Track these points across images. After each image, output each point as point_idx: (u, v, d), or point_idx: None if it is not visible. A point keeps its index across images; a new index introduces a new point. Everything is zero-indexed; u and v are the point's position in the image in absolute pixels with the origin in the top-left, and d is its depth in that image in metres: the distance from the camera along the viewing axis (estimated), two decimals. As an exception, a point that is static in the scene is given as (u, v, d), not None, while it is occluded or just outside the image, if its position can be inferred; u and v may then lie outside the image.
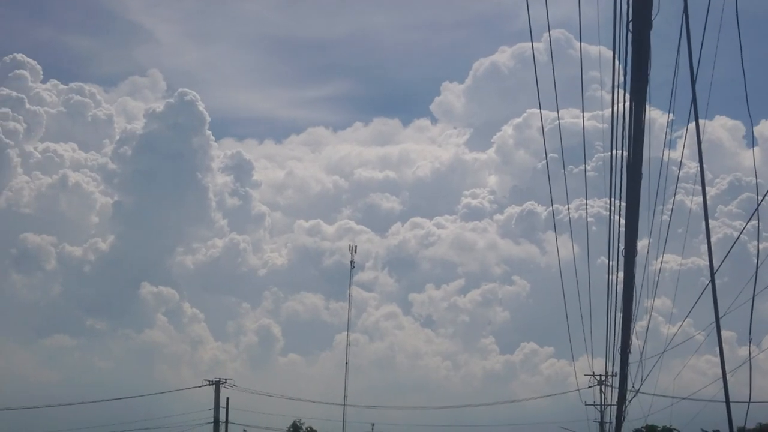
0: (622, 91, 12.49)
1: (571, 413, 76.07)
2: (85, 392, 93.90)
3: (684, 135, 14.78)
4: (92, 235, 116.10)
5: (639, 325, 27.31)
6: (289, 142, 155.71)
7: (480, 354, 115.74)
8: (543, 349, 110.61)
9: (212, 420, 63.87)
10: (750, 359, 13.39)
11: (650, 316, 28.44)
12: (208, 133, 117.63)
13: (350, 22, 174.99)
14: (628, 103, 12.21)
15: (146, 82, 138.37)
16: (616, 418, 47.06)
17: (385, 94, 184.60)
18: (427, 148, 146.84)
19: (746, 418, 13.36)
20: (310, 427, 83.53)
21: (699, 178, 10.95)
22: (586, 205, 21.08)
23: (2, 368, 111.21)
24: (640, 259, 19.37)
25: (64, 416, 68.41)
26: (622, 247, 17.32)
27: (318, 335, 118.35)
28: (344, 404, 75.81)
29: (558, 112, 15.17)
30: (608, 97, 13.48)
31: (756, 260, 13.27)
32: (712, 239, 11.47)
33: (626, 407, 42.58)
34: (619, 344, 26.52)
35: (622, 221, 16.06)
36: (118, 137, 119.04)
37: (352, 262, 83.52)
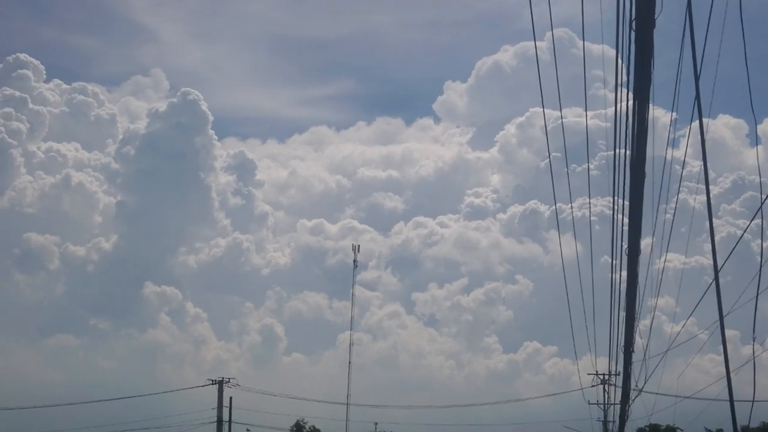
0: (625, 90, 12.50)
1: (575, 412, 76.03)
2: (89, 392, 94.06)
3: (687, 134, 14.80)
4: (95, 235, 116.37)
5: (642, 324, 27.31)
6: (292, 142, 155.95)
7: (483, 353, 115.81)
8: (546, 348, 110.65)
9: (215, 419, 63.91)
10: (754, 358, 13.40)
11: (653, 315, 28.44)
12: (211, 132, 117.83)
13: (353, 22, 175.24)
14: (631, 102, 12.21)
15: (149, 81, 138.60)
16: (620, 417, 47.09)
17: (387, 94, 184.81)
18: (430, 147, 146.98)
19: (750, 417, 13.36)
20: (314, 426, 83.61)
21: (702, 177, 10.95)
22: (590, 204, 21.07)
23: (6, 368, 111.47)
24: (643, 258, 19.36)
25: (67, 416, 68.50)
26: (625, 246, 17.31)
27: (321, 334, 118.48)
28: (347, 403, 75.77)
29: (561, 110, 15.18)
30: (611, 96, 13.48)
31: (759, 259, 13.25)
32: (716, 238, 11.46)
33: (629, 406, 42.60)
34: (623, 343, 26.51)
35: (626, 220, 16.05)
36: (121, 137, 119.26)
37: (355, 261, 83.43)
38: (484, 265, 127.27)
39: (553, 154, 18.16)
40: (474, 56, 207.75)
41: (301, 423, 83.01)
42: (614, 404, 64.42)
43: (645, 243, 18.79)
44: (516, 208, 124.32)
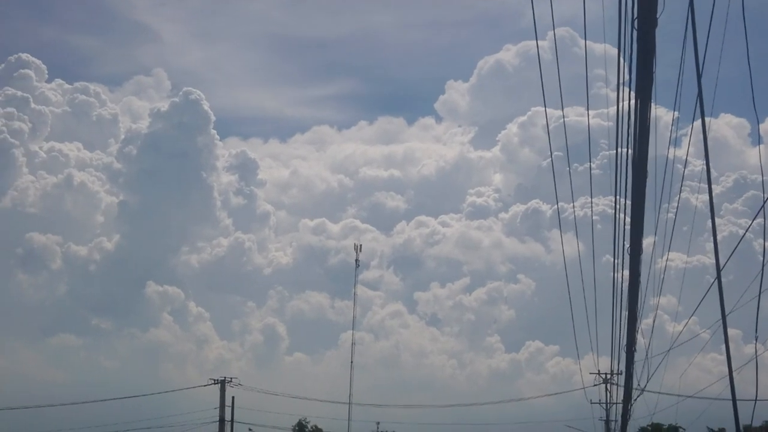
0: (626, 89, 12.50)
1: (577, 412, 76.15)
2: (91, 391, 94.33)
3: (689, 133, 14.78)
4: (97, 235, 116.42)
5: (644, 324, 27.30)
6: (294, 141, 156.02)
7: (485, 352, 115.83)
8: (548, 348, 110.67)
9: (218, 419, 63.92)
10: (756, 357, 13.39)
11: (656, 315, 28.45)
12: (213, 132, 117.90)
13: (355, 21, 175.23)
14: (633, 101, 12.20)
15: (151, 81, 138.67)
16: (622, 416, 47.06)
17: (389, 93, 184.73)
18: (432, 146, 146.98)
19: (753, 416, 13.35)
20: (316, 426, 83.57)
21: (705, 176, 10.94)
22: (591, 203, 21.03)
23: (8, 367, 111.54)
24: (645, 257, 19.35)
25: (69, 415, 68.55)
26: (627, 245, 17.30)
27: (323, 334, 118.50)
28: (350, 403, 75.81)
29: (563, 110, 15.16)
30: (613, 95, 13.47)
31: (762, 258, 13.24)
32: (718, 237, 11.46)
33: (632, 405, 42.54)
34: (625, 342, 26.49)
35: (628, 219, 16.04)
36: (123, 137, 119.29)
37: (357, 260, 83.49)
38: (486, 264, 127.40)
39: (555, 153, 18.19)
40: (476, 55, 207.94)
41: (303, 422, 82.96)
42: (616, 403, 64.50)
43: (647, 242, 18.80)
44: (518, 208, 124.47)
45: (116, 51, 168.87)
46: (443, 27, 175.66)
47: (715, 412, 53.50)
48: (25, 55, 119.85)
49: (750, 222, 15.11)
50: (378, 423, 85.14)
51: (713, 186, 11.12)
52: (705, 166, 10.99)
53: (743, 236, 15.76)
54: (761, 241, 13.72)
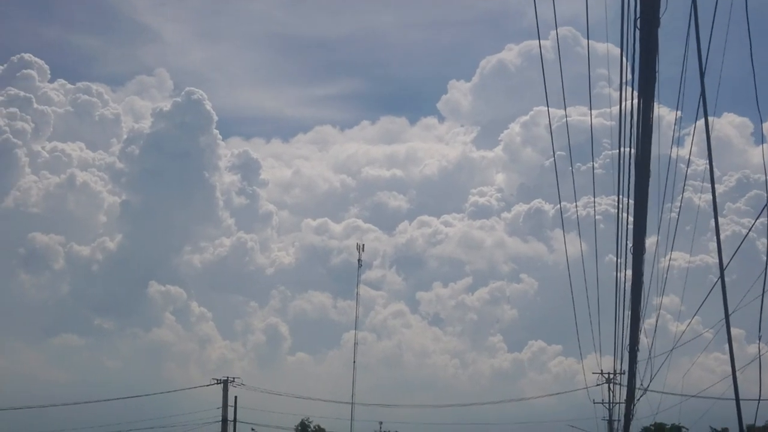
0: (629, 89, 12.49)
1: (580, 411, 75.99)
2: (94, 391, 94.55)
3: (692, 132, 14.77)
4: (100, 235, 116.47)
5: (647, 323, 27.26)
6: (296, 141, 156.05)
7: (488, 352, 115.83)
8: (551, 347, 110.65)
9: (220, 419, 63.92)
10: (760, 357, 13.35)
11: (659, 314, 28.42)
12: (215, 132, 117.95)
13: (357, 21, 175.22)
14: (635, 101, 12.19)
15: (153, 81, 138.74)
16: (625, 416, 47.03)
17: (392, 93, 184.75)
18: (435, 146, 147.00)
19: (756, 416, 13.35)
20: (318, 426, 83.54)
21: (708, 176, 10.93)
22: (594, 202, 21.05)
23: (11, 367, 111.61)
24: (648, 257, 19.35)
25: (72, 415, 68.55)
26: (630, 244, 17.29)
27: (326, 334, 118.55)
28: (352, 403, 75.81)
29: (565, 109, 15.13)
30: (616, 94, 13.48)
31: (765, 257, 13.21)
32: (720, 236, 11.44)
33: (635, 405, 42.54)
34: (628, 342, 26.49)
35: (630, 219, 16.03)
36: (125, 136, 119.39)
37: (359, 260, 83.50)
38: (488, 264, 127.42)
39: (558, 152, 18.18)
40: (478, 55, 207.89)
41: (306, 422, 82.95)
42: (619, 403, 64.41)
43: (650, 241, 18.78)
44: (520, 207, 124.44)
45: (118, 51, 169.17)
46: (445, 26, 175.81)
47: (718, 411, 53.49)
48: (27, 56, 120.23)
49: (753, 221, 15.08)
50: (381, 423, 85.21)
51: (716, 185, 11.10)
52: (708, 166, 10.97)
53: (746, 236, 15.73)
54: (764, 240, 13.72)
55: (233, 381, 64.72)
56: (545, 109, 14.97)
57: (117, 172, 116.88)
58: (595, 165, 18.70)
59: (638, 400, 40.99)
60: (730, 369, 11.44)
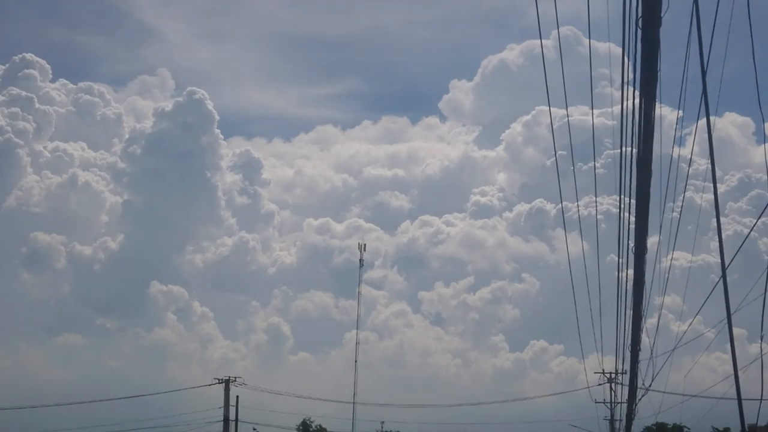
0: (631, 88, 12.48)
1: (581, 411, 75.95)
2: (96, 391, 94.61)
3: (694, 131, 14.76)
4: (102, 234, 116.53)
5: (649, 323, 27.27)
6: (298, 141, 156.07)
7: (490, 352, 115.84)
8: (553, 347, 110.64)
9: (222, 418, 63.95)
10: (762, 356, 13.35)
11: (660, 314, 28.41)
12: (217, 131, 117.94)
13: (358, 21, 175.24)
14: (637, 100, 12.19)
15: (155, 81, 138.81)
16: (627, 415, 47.05)
17: (393, 92, 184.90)
18: (436, 146, 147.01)
19: (758, 416, 13.34)
20: (320, 425, 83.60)
21: (709, 175, 10.93)
22: (596, 202, 21.05)
23: (13, 367, 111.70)
24: (649, 257, 19.34)
25: (74, 415, 68.63)
26: (631, 244, 17.29)
27: (327, 333, 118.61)
28: (354, 402, 75.90)
29: (567, 109, 15.15)
30: (617, 94, 13.47)
31: (767, 257, 13.21)
32: (722, 236, 11.43)
33: (636, 405, 42.55)
34: (629, 342, 26.49)
35: (632, 218, 16.03)
36: (127, 136, 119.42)
37: (361, 260, 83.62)
38: (490, 263, 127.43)
39: (560, 152, 18.13)
40: (480, 55, 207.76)
41: (308, 422, 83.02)
42: (621, 403, 64.45)
43: (651, 241, 18.77)
44: (522, 207, 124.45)
45: (120, 51, 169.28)
46: (447, 26, 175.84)
47: (719, 411, 53.44)
48: (29, 55, 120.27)
49: (755, 221, 15.08)
50: (382, 422, 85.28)
51: (718, 185, 11.10)
52: (710, 165, 10.97)
53: (748, 235, 15.73)
54: (766, 240, 13.70)
55: (235, 380, 64.76)
56: (547, 108, 14.98)
57: (119, 171, 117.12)
58: (597, 165, 18.72)
59: (640, 399, 40.99)
60: (731, 368, 11.44)
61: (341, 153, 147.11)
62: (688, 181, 18.23)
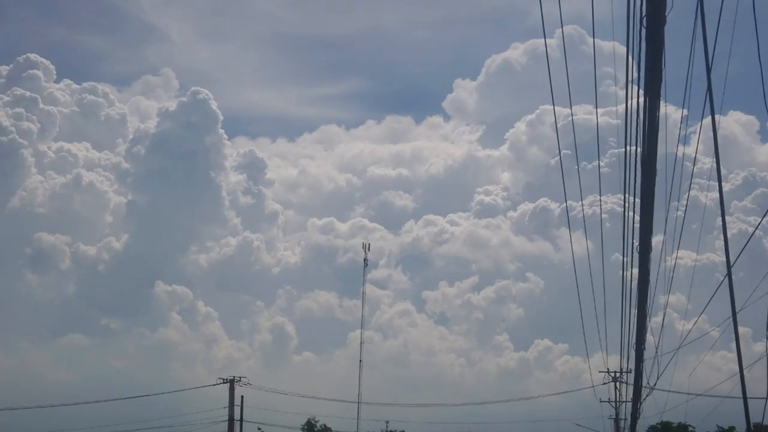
0: (635, 87, 12.48)
1: (586, 410, 75.91)
2: (100, 391, 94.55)
3: (698, 130, 14.76)
4: (106, 235, 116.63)
5: (654, 322, 27.25)
6: (302, 141, 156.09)
7: (494, 351, 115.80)
8: (557, 346, 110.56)
9: (227, 418, 64.00)
10: (767, 355, 13.35)
11: (665, 313, 28.39)
12: (221, 131, 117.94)
13: (362, 20, 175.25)
14: (641, 99, 12.18)
15: (159, 81, 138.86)
16: (631, 414, 47.01)
17: (397, 92, 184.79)
18: (440, 145, 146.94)
19: (764, 414, 13.33)
20: (325, 425, 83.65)
21: (714, 174, 10.92)
22: (600, 201, 21.02)
23: (18, 367, 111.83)
24: (654, 255, 19.32)
25: (79, 415, 68.70)
26: (636, 243, 17.28)
27: (332, 333, 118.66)
28: (358, 402, 75.86)
29: (571, 108, 15.15)
30: (622, 93, 13.45)
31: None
32: (727, 235, 11.42)
33: (641, 404, 42.50)
34: (634, 341, 26.47)
35: (637, 217, 16.02)
36: (131, 136, 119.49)
37: (365, 259, 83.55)
38: (494, 263, 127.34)
39: (564, 151, 18.16)
40: (484, 54, 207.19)
41: (312, 421, 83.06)
42: (626, 402, 64.36)
43: (656, 240, 18.77)
44: (526, 206, 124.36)
45: (124, 51, 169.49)
46: (451, 25, 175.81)
47: (724, 410, 53.43)
48: (33, 56, 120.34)
49: (760, 219, 15.06)
50: (387, 422, 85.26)
51: (722, 183, 11.08)
52: (714, 164, 10.96)
53: (753, 234, 15.73)
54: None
55: (240, 380, 64.80)
56: (551, 107, 15.01)
57: (123, 172, 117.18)
58: (601, 163, 18.71)
59: (645, 398, 40.95)
60: (736, 367, 11.44)
61: (345, 153, 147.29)
62: (692, 180, 18.20)
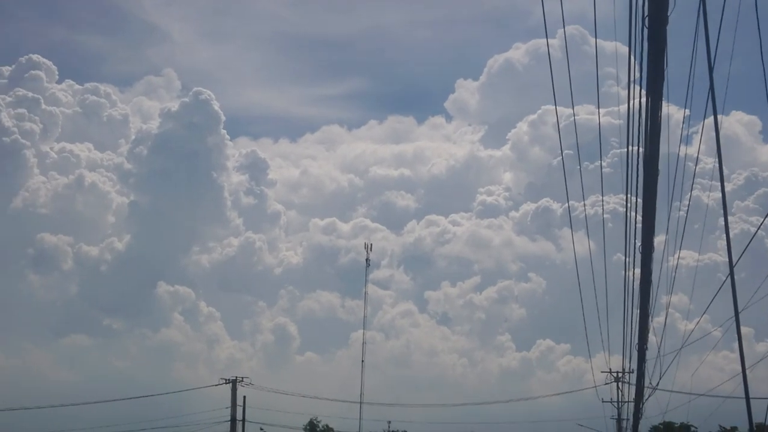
0: (637, 87, 12.47)
1: (588, 410, 75.87)
2: (102, 391, 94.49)
3: (700, 130, 14.75)
4: (108, 235, 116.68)
5: (656, 322, 27.23)
6: (304, 141, 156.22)
7: (496, 351, 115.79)
8: (559, 346, 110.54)
9: (229, 418, 64.01)
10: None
11: (667, 313, 28.36)
12: (223, 132, 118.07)
13: (364, 20, 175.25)
14: (643, 99, 12.18)
15: (161, 81, 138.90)
16: (634, 415, 46.94)
17: (399, 92, 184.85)
18: (442, 145, 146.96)
19: (766, 415, 13.32)
20: (327, 425, 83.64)
21: (716, 174, 10.91)
22: (602, 201, 20.98)
23: (20, 368, 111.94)
24: (656, 255, 19.31)
25: (81, 415, 68.69)
26: (638, 243, 17.27)
27: (334, 333, 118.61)
28: (360, 402, 75.87)
29: (573, 108, 15.14)
30: (624, 93, 13.45)
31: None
32: (729, 235, 11.42)
33: (643, 404, 42.46)
34: (636, 341, 26.46)
35: (639, 218, 16.01)
36: (133, 137, 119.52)
37: (367, 260, 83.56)
38: (496, 263, 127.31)
39: (566, 151, 18.16)
40: (486, 54, 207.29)
41: (315, 422, 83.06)
42: (628, 402, 64.31)
43: (658, 240, 18.76)
44: (528, 206, 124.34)
45: (126, 51, 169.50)
46: (452, 25, 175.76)
47: (727, 410, 53.39)
48: (35, 56, 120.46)
49: (762, 219, 15.05)
50: (389, 422, 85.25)
51: (725, 183, 11.07)
52: (717, 164, 10.95)
53: (755, 234, 15.72)
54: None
55: (242, 381, 64.80)
56: (553, 107, 15.02)
57: (125, 172, 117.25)
58: (603, 164, 18.69)
59: (647, 398, 40.92)
60: (739, 367, 11.43)
61: (347, 153, 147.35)
62: (694, 180, 18.20)
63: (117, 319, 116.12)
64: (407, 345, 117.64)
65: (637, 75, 12.20)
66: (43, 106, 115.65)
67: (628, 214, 17.21)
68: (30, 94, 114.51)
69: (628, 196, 15.97)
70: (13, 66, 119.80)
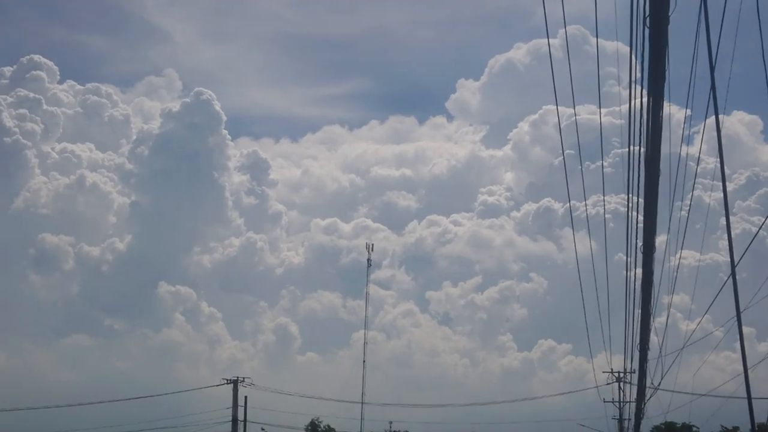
0: (639, 87, 12.47)
1: (590, 410, 75.88)
2: (104, 391, 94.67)
3: (702, 130, 14.74)
4: (110, 235, 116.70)
5: (658, 322, 27.23)
6: (305, 141, 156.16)
7: (498, 351, 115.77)
8: (561, 346, 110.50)
9: (230, 418, 64.02)
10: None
11: (669, 313, 28.36)
12: (224, 132, 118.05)
13: (365, 20, 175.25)
14: (645, 99, 12.17)
15: (162, 81, 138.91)
16: (635, 415, 46.98)
17: (400, 92, 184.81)
18: (443, 145, 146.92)
19: None
20: (328, 426, 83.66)
21: (717, 174, 10.90)
22: (604, 201, 20.98)
23: (22, 368, 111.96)
24: (658, 256, 19.31)
25: (83, 415, 68.73)
26: (640, 243, 17.27)
27: (335, 333, 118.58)
28: (362, 402, 75.90)
29: (574, 108, 15.12)
30: (625, 93, 13.45)
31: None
32: (731, 235, 11.40)
33: (645, 404, 42.49)
34: (638, 341, 26.46)
35: (640, 217, 16.01)
36: (134, 137, 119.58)
37: (368, 260, 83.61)
38: (497, 263, 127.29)
39: (567, 151, 18.16)
40: (487, 54, 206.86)
41: (316, 422, 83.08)
42: (630, 402, 64.36)
43: (660, 240, 18.75)
44: (529, 206, 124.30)
45: (127, 52, 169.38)
46: (454, 25, 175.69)
47: (728, 410, 53.36)
48: (36, 57, 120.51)
49: (763, 219, 15.04)
50: (390, 422, 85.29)
51: (726, 183, 11.06)
52: (718, 164, 10.95)
53: (756, 234, 15.71)
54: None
55: (243, 381, 64.79)
56: (554, 107, 15.01)
57: (126, 172, 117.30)
58: (605, 164, 18.66)
59: (649, 398, 40.96)
60: (740, 367, 11.42)
61: (348, 153, 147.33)
62: (696, 180, 18.18)
63: (118, 319, 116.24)
64: (408, 345, 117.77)
65: (639, 75, 12.20)
66: (45, 107, 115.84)
67: (630, 214, 17.21)
68: (31, 95, 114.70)
69: (630, 196, 15.97)
70: (15, 66, 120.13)
